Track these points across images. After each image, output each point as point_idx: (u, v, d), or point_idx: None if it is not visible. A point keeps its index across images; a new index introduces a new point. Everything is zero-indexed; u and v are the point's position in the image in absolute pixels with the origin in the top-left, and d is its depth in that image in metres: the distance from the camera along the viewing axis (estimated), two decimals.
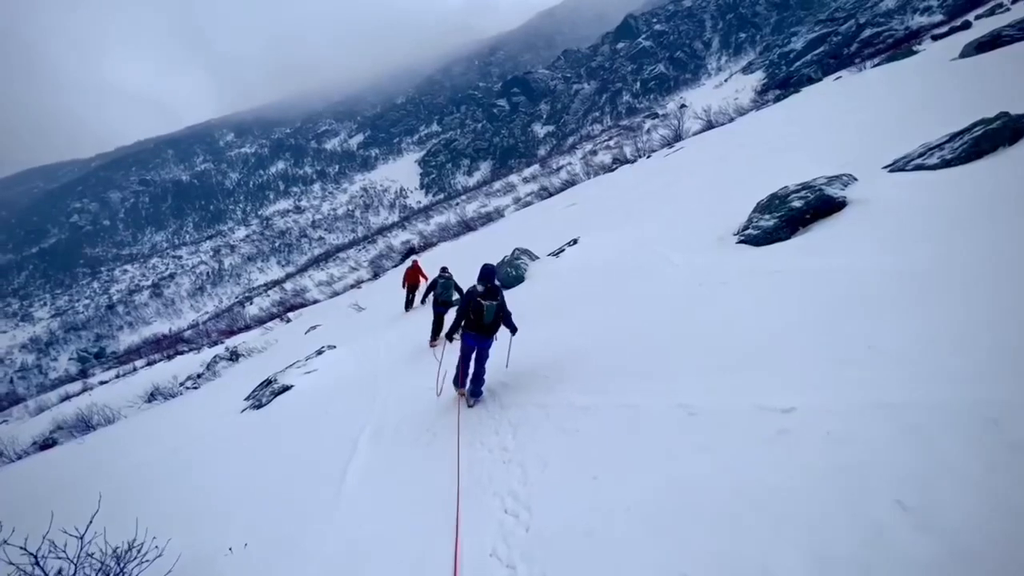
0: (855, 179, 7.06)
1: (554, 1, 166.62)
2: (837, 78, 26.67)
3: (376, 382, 7.21)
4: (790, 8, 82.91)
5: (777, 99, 30.58)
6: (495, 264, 11.13)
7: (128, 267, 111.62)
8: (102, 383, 32.36)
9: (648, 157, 26.96)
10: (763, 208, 7.22)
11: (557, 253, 11.31)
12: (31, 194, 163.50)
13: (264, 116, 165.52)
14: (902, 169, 7.07)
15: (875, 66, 24.91)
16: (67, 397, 29.20)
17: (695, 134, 29.35)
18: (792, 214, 6.69)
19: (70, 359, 76.79)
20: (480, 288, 4.94)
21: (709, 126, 30.58)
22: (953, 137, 6.75)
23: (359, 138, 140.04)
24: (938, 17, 49.76)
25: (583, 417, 3.57)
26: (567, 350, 5.16)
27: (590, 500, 2.73)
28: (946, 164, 6.51)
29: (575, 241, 11.69)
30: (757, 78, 67.96)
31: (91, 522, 3.08)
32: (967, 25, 22.78)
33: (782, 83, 55.92)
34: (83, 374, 50.75)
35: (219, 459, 6.42)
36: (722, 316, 4.35)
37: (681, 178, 15.11)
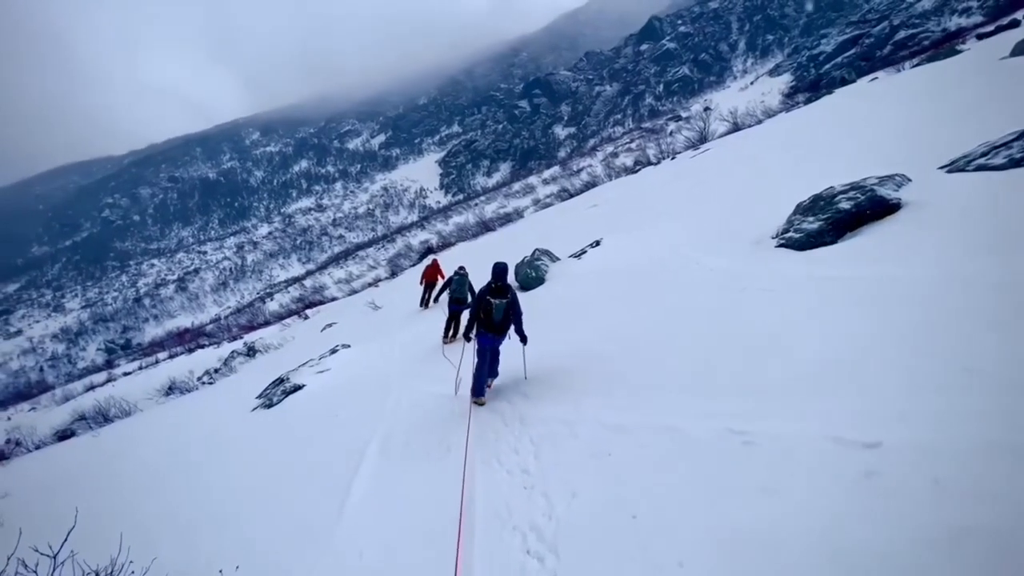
0: (909, 180, 6.49)
1: (577, 3, 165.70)
2: (873, 79, 25.58)
3: (388, 384, 6.87)
4: (820, 10, 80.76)
5: (808, 101, 29.57)
6: (516, 263, 10.87)
7: (155, 261, 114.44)
8: (125, 374, 33.00)
9: (672, 159, 26.26)
10: (805, 210, 6.69)
11: (579, 255, 10.90)
12: (67, 189, 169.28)
13: (289, 116, 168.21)
14: (962, 169, 6.47)
15: (915, 66, 23.82)
16: (92, 387, 29.85)
17: (721, 136, 28.54)
18: (839, 216, 6.15)
19: (98, 349, 78.96)
20: (491, 286, 4.96)
21: (736, 128, 29.73)
22: (1023, 135, 6.13)
23: (381, 138, 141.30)
24: (978, 18, 47.87)
25: (616, 438, 3.10)
26: (593, 359, 4.73)
27: (630, 548, 2.28)
28: (1015, 164, 5.90)
29: (598, 243, 11.26)
30: (785, 81, 66.43)
31: (66, 539, 2.78)
32: (1016, 24, 21.61)
33: (811, 85, 54.46)
34: (109, 365, 51.99)
35: (224, 461, 6.16)
36: (770, 327, 3.86)
37: (709, 179, 14.51)
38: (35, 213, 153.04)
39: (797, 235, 6.39)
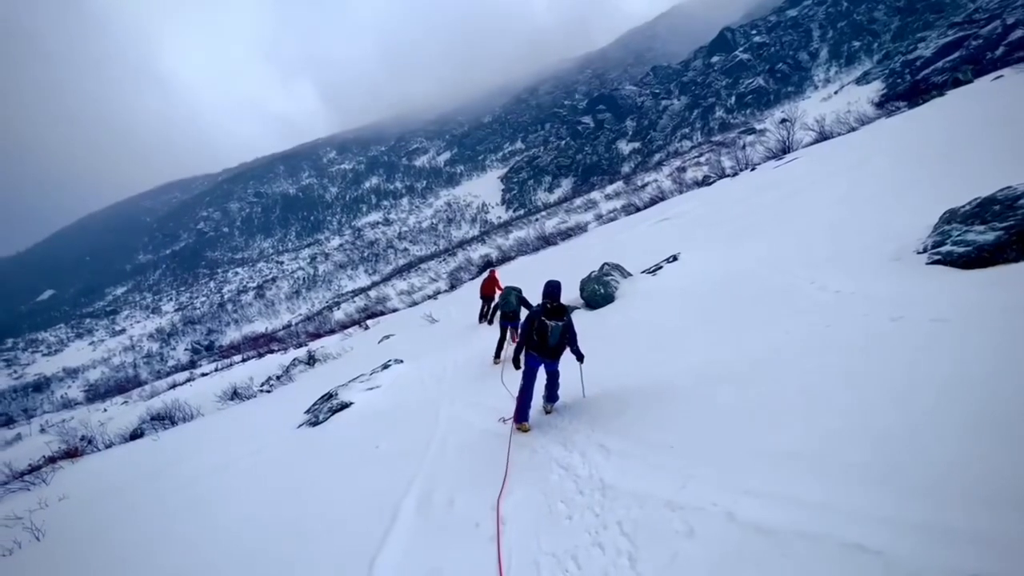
0: None
1: (645, 19, 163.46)
2: (998, 77, 22.22)
3: (437, 413, 6.06)
4: (916, 12, 73.73)
5: (910, 107, 26.36)
6: (582, 279, 9.87)
7: (239, 270, 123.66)
8: (203, 375, 35.05)
9: (752, 170, 24.17)
10: (968, 217, 5.20)
11: (653, 271, 9.70)
12: (170, 203, 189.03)
13: (364, 135, 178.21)
14: None
15: None
16: (174, 385, 31.94)
17: (806, 146, 26.02)
18: None
19: (185, 349, 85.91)
20: (546, 307, 4.60)
21: (823, 138, 27.05)
22: None
23: (447, 155, 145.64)
24: None
25: (763, 553, 1.99)
26: (694, 403, 3.61)
27: None
28: None
29: (675, 257, 10.03)
30: (874, 88, 60.73)
31: None
32: None
33: (908, 92, 49.31)
34: (192, 364, 56.06)
35: (251, 492, 5.52)
36: (983, 376, 2.61)
37: (805, 189, 12.78)
38: (143, 225, 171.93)
39: (960, 249, 4.93)
